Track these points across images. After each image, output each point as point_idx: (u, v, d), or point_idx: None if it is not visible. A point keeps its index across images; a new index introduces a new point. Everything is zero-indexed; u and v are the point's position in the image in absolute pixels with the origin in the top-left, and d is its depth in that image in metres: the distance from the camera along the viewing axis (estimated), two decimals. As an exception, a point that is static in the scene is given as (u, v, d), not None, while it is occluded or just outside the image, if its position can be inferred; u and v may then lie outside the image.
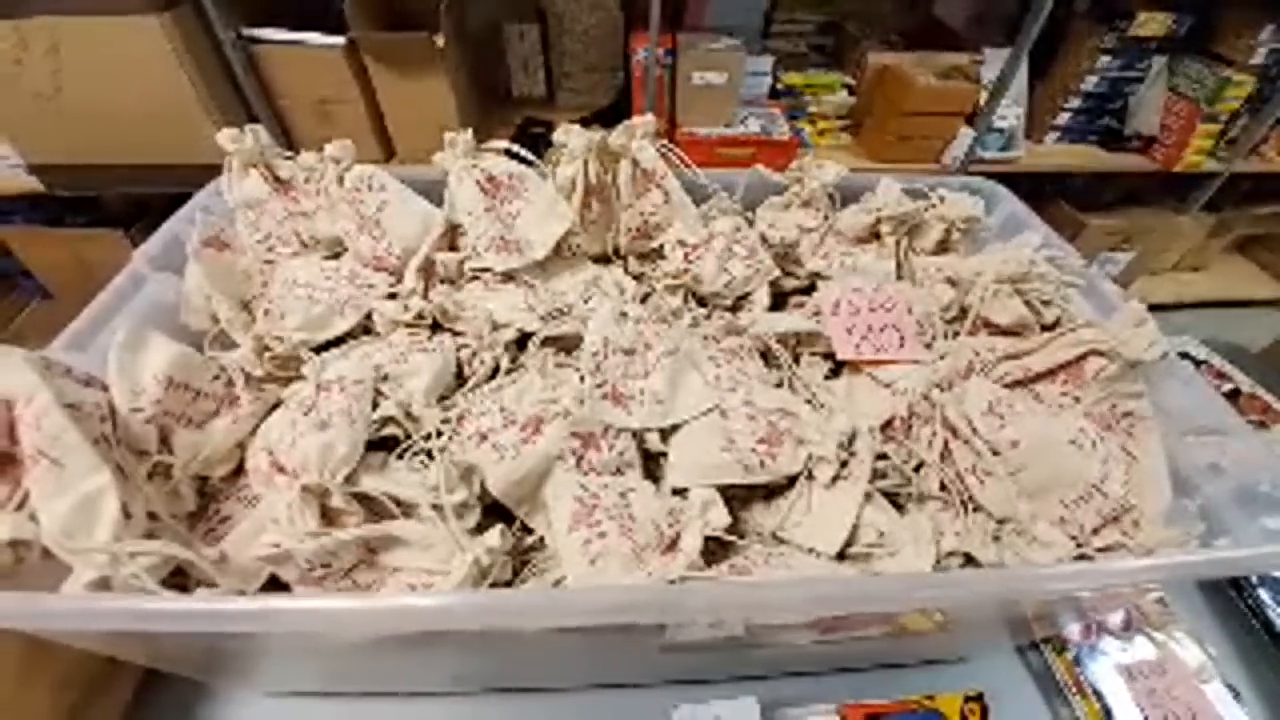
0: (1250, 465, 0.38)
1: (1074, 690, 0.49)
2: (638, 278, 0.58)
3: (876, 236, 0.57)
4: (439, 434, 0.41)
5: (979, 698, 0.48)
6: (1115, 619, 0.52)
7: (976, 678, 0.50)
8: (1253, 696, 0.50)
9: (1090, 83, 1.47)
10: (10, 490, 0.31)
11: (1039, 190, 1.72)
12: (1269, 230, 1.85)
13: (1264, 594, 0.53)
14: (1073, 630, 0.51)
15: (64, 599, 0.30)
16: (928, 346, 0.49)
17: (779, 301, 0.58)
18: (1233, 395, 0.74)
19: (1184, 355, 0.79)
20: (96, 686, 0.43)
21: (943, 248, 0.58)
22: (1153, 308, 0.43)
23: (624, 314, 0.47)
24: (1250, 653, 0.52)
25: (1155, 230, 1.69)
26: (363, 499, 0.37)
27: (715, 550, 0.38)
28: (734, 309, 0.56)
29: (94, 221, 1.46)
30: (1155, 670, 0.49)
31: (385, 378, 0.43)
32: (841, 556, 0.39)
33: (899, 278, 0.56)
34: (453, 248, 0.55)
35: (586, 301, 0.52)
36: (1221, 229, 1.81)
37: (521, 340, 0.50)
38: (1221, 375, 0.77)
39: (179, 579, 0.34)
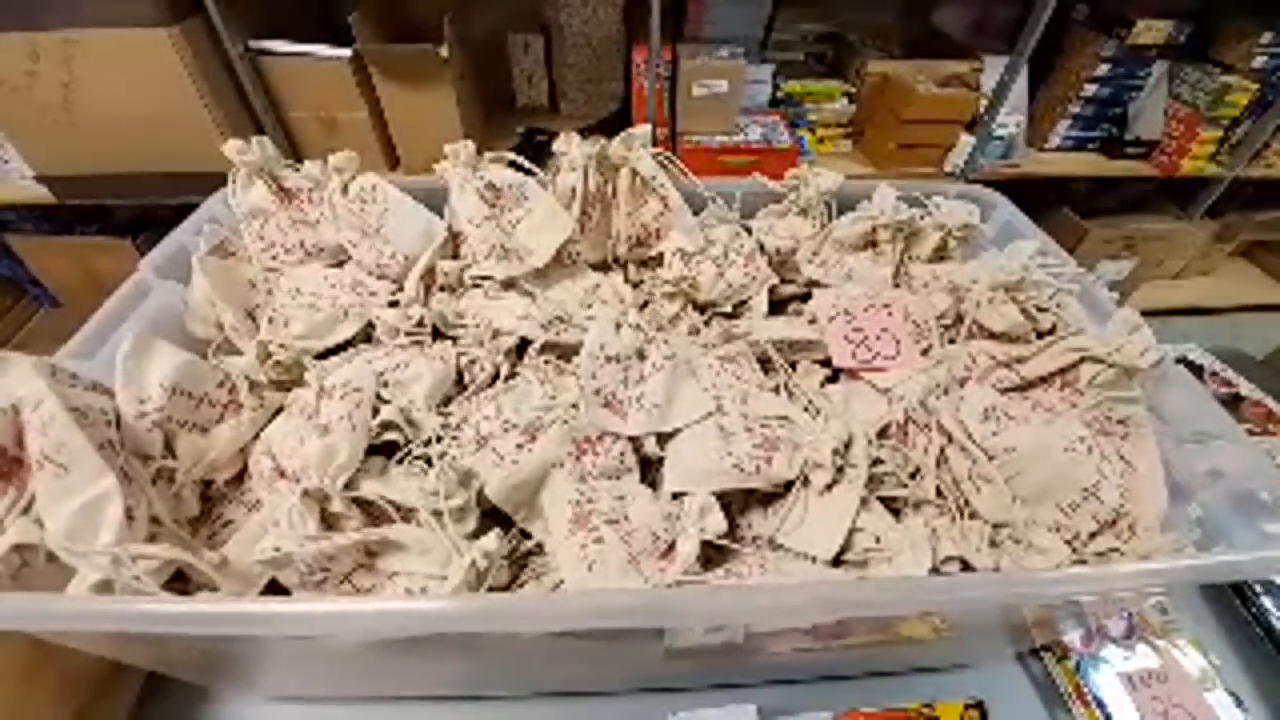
0: (1248, 471, 0.38)
1: (1075, 699, 0.48)
2: (636, 285, 0.59)
3: (873, 244, 0.58)
4: (438, 440, 0.42)
5: (979, 705, 0.48)
6: (1117, 627, 0.52)
7: (977, 686, 0.50)
8: (1256, 704, 0.49)
9: (1091, 90, 1.47)
10: (17, 494, 0.31)
11: (1041, 198, 1.72)
12: (1273, 235, 1.84)
13: (1267, 601, 0.53)
14: (1074, 638, 0.51)
15: (67, 601, 0.30)
16: (924, 353, 0.50)
17: (776, 308, 0.59)
18: (1235, 401, 0.73)
19: (1187, 361, 0.78)
20: (100, 690, 0.43)
21: (940, 255, 0.58)
22: (1157, 313, 0.43)
23: (622, 321, 0.47)
24: (1253, 660, 0.52)
25: (1158, 236, 1.68)
26: (362, 504, 0.37)
27: (712, 556, 0.39)
28: (732, 316, 0.57)
29: (102, 231, 1.48)
30: (1157, 678, 0.49)
31: (386, 384, 0.44)
32: (838, 562, 0.39)
33: (896, 285, 0.56)
34: (454, 256, 0.56)
35: (585, 309, 0.53)
36: (1226, 234, 1.81)
37: (521, 347, 0.50)
38: (1224, 381, 0.77)
39: (180, 583, 0.34)
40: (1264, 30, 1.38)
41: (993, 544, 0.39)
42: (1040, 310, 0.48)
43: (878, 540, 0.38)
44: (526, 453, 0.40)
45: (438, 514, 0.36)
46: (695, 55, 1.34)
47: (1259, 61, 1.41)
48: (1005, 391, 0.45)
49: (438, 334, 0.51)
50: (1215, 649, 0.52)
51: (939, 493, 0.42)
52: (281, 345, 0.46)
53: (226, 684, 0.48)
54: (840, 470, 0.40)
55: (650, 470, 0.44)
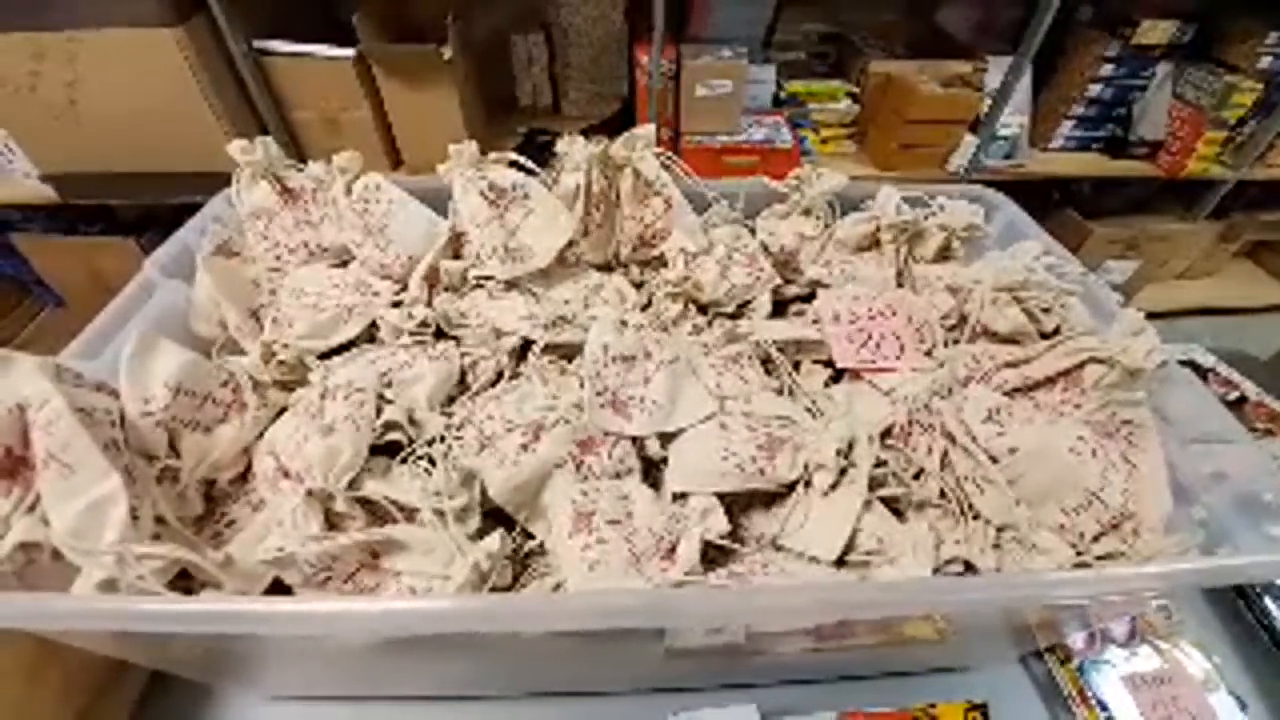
0: (1252, 473, 0.38)
1: (1078, 701, 0.48)
2: (639, 286, 0.59)
3: (877, 244, 0.58)
4: (441, 440, 0.42)
5: (982, 707, 0.48)
6: (1120, 629, 0.52)
7: (979, 687, 0.50)
8: (1259, 706, 0.49)
9: (1094, 90, 1.47)
10: (23, 493, 0.31)
11: (1045, 198, 1.71)
12: (1278, 236, 1.83)
13: (1270, 604, 0.53)
14: (1077, 640, 0.51)
15: (72, 600, 0.31)
16: (927, 354, 0.50)
17: (779, 309, 0.58)
18: (1239, 402, 0.73)
19: (1191, 363, 0.78)
20: (103, 688, 0.44)
21: (943, 255, 0.58)
22: (1161, 315, 0.43)
23: (625, 322, 0.47)
24: (1256, 662, 0.52)
25: (1162, 237, 1.68)
26: (366, 504, 0.37)
27: (714, 557, 0.38)
28: (735, 317, 0.57)
29: (106, 230, 1.48)
30: (1160, 680, 0.49)
31: (389, 384, 0.44)
32: (840, 563, 0.39)
33: (899, 285, 0.56)
34: (456, 256, 0.56)
35: (588, 309, 0.53)
36: (1230, 235, 1.80)
37: (524, 348, 0.50)
38: (1228, 382, 0.76)
39: (185, 581, 0.34)
40: (1269, 30, 1.37)
41: (996, 546, 0.39)
42: (1044, 311, 0.48)
43: (880, 541, 0.38)
44: (529, 453, 0.40)
45: (440, 514, 0.36)
46: (698, 55, 1.34)
47: (1264, 62, 1.40)
48: (1009, 393, 0.44)
49: (441, 334, 0.51)
50: (1218, 651, 0.51)
51: (942, 494, 0.42)
52: (285, 345, 0.46)
53: (229, 683, 0.48)
54: (843, 471, 0.40)
55: (652, 471, 0.44)
